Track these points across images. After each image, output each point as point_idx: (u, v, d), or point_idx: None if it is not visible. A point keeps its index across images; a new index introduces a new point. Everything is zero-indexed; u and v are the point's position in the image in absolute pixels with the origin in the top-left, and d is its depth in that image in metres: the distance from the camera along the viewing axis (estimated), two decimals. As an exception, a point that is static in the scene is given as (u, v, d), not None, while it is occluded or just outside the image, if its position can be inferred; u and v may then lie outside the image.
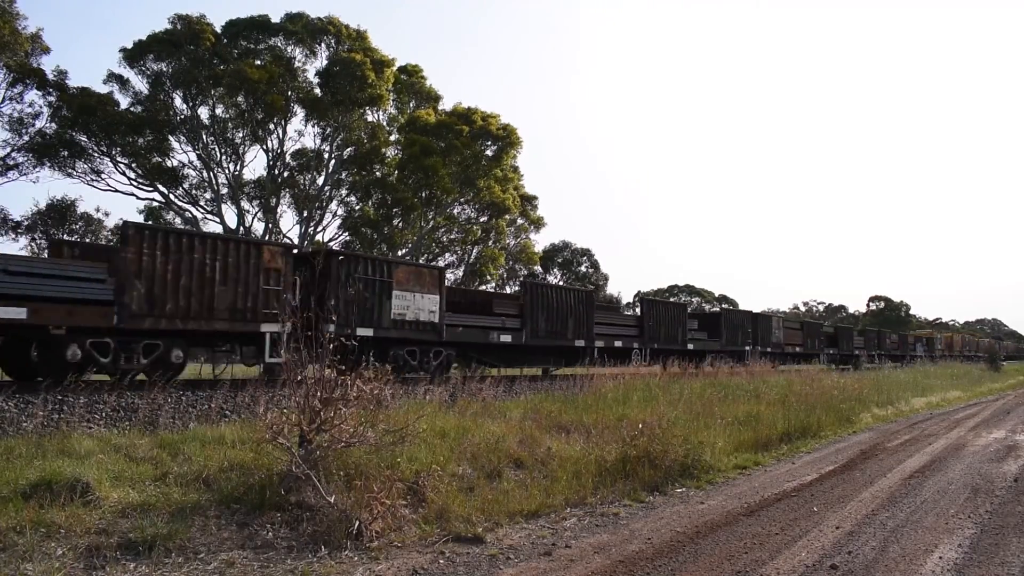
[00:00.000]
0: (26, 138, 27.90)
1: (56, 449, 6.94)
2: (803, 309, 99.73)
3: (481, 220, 36.52)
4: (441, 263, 38.23)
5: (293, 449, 6.35)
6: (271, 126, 31.34)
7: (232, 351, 13.66)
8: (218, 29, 30.45)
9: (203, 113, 30.63)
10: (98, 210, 33.46)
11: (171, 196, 31.35)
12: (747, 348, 29.33)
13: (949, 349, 69.66)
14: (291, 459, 6.33)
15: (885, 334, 52.35)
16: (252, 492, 6.19)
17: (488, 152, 34.78)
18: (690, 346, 25.73)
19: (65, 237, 27.78)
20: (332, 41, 31.72)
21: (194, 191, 31.91)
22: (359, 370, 6.94)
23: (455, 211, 35.99)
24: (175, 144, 30.74)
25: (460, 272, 37.62)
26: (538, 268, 45.20)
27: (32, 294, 10.16)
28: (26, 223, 29.38)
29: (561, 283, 48.56)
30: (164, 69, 29.57)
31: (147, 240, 11.45)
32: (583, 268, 54.27)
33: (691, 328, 26.96)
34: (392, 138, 34.95)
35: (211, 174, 31.37)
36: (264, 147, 31.78)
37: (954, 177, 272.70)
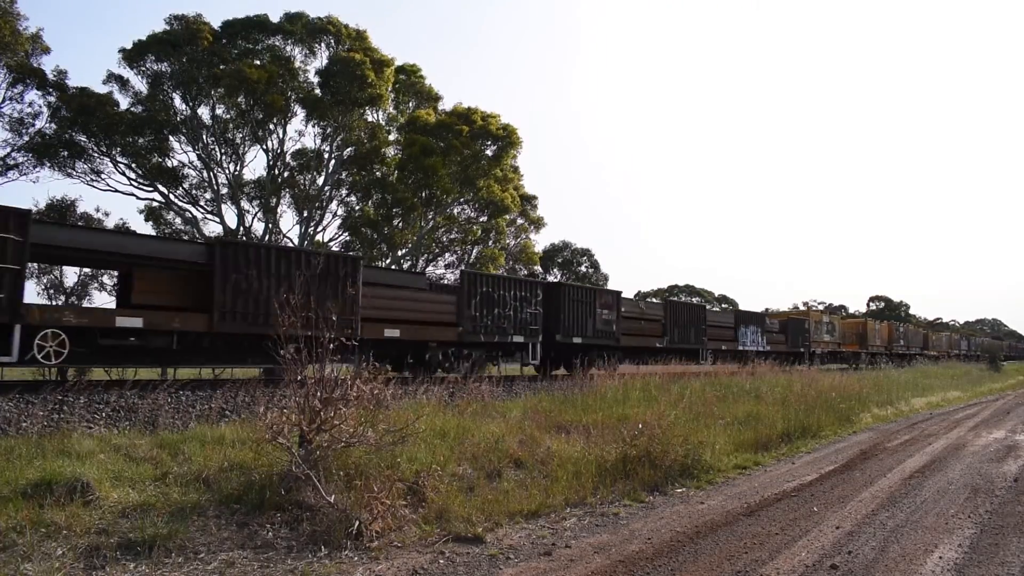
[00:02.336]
0: (26, 138, 27.87)
1: (56, 449, 6.93)
2: (803, 309, 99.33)
3: (481, 220, 36.49)
4: (441, 263, 38.25)
5: (293, 449, 6.35)
6: (271, 126, 31.29)
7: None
8: (217, 29, 30.44)
9: (203, 113, 30.62)
10: (98, 210, 33.36)
11: (171, 196, 31.31)
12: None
13: (863, 341, 40.37)
14: (291, 459, 6.33)
15: (605, 295, 22.09)
16: (252, 492, 6.19)
17: (488, 152, 34.74)
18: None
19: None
20: (332, 41, 31.68)
21: (194, 191, 31.87)
22: (358, 370, 6.94)
23: (455, 211, 35.96)
24: (175, 144, 30.69)
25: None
26: (538, 268, 45.18)
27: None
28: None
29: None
30: (163, 69, 29.55)
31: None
32: (583, 268, 54.28)
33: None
34: (392, 138, 34.93)
35: (211, 174, 31.33)
36: (264, 147, 31.75)
37: (954, 177, 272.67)
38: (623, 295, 23.30)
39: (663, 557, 5.67)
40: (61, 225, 18.71)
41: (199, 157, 30.93)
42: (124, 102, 29.68)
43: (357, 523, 5.74)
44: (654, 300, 34.88)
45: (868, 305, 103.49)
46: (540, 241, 45.30)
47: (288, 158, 32.39)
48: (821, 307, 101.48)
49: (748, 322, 31.26)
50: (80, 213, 30.57)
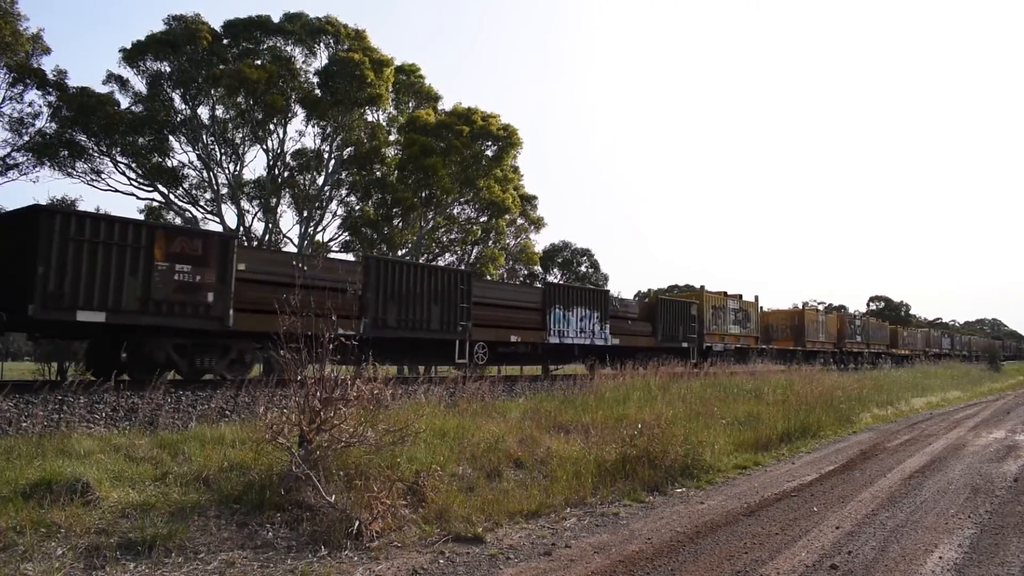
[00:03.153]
0: (26, 138, 27.87)
1: (56, 449, 6.93)
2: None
3: (481, 220, 36.48)
4: (441, 263, 38.26)
5: (293, 449, 6.34)
6: (271, 126, 31.30)
7: None
8: (218, 29, 30.44)
9: (203, 113, 30.65)
10: (98, 210, 33.31)
11: (171, 196, 31.33)
12: None
13: (800, 336, 32.63)
14: (291, 459, 6.33)
15: (182, 237, 11.74)
16: (252, 492, 6.18)
17: (488, 152, 34.74)
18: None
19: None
20: (331, 41, 31.70)
21: (194, 191, 31.89)
22: (359, 369, 6.94)
23: (455, 211, 35.95)
24: (175, 144, 30.72)
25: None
26: (538, 268, 45.16)
27: None
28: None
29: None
30: (163, 69, 29.57)
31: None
32: (583, 268, 54.26)
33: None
34: (392, 138, 34.93)
35: (211, 174, 31.34)
36: (264, 147, 31.76)
37: (953, 177, 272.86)
38: (254, 246, 14.03)
39: (663, 557, 5.66)
40: None
41: (199, 157, 30.93)
42: (124, 102, 29.71)
43: (357, 523, 5.74)
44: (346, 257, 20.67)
45: (868, 305, 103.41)
46: (540, 241, 45.34)
47: (288, 158, 32.40)
48: (821, 307, 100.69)
49: (572, 302, 20.09)
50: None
